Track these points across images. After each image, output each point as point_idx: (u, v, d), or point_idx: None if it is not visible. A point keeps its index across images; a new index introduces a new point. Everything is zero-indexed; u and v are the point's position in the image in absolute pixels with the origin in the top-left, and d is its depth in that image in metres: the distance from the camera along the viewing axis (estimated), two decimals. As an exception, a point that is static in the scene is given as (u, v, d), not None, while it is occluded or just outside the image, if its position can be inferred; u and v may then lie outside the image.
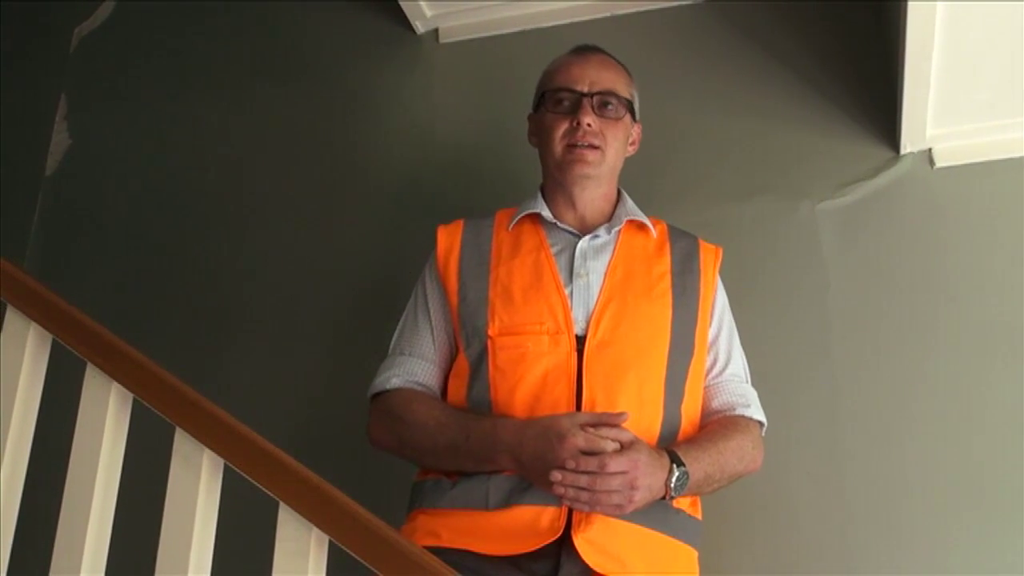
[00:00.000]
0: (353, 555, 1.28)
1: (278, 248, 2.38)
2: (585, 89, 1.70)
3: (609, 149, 1.70)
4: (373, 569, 1.26)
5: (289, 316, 2.31)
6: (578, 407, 1.50)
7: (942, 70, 1.84)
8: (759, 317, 1.96)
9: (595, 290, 1.62)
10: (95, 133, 2.67)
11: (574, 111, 1.69)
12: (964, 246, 1.97)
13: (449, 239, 1.73)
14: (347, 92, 2.48)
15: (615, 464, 1.40)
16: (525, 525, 1.44)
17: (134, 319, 2.31)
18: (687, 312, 1.64)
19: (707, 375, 1.68)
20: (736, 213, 2.10)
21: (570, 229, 1.71)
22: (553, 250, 1.67)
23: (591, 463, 1.39)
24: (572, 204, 1.73)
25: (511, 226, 1.73)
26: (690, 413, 1.61)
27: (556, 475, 1.39)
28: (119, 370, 1.49)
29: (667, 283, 1.66)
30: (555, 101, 1.72)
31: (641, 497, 1.42)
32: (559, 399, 1.51)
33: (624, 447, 1.43)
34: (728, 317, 1.74)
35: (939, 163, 2.04)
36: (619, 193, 1.79)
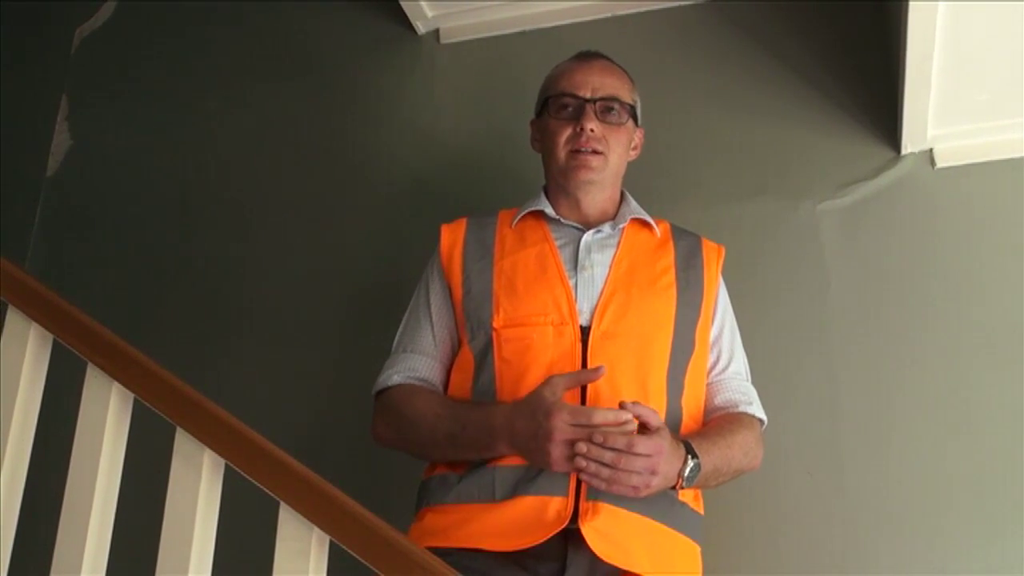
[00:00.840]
0: (354, 555, 1.28)
1: (279, 248, 2.38)
2: (588, 95, 1.70)
3: (612, 154, 1.71)
4: (374, 569, 1.26)
5: (289, 316, 2.31)
6: (582, 399, 1.51)
7: (943, 70, 1.84)
8: (759, 316, 1.96)
9: (599, 282, 1.63)
10: (96, 134, 2.67)
11: (577, 117, 1.70)
12: (964, 246, 1.97)
13: (452, 235, 1.74)
14: (348, 92, 2.48)
15: (642, 446, 1.40)
16: (532, 516, 1.44)
17: (135, 319, 2.32)
18: (690, 307, 1.65)
19: (710, 372, 1.69)
20: (737, 213, 2.10)
21: (574, 224, 1.72)
22: (558, 243, 1.68)
23: (619, 441, 1.39)
24: (576, 206, 1.74)
25: (515, 223, 1.74)
26: (690, 407, 1.62)
27: (582, 447, 1.39)
28: (120, 370, 1.49)
29: (671, 277, 1.67)
30: (558, 107, 1.72)
31: (657, 484, 1.43)
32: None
33: (650, 431, 1.43)
34: (730, 316, 1.75)
35: (940, 163, 2.04)
36: (622, 194, 1.80)
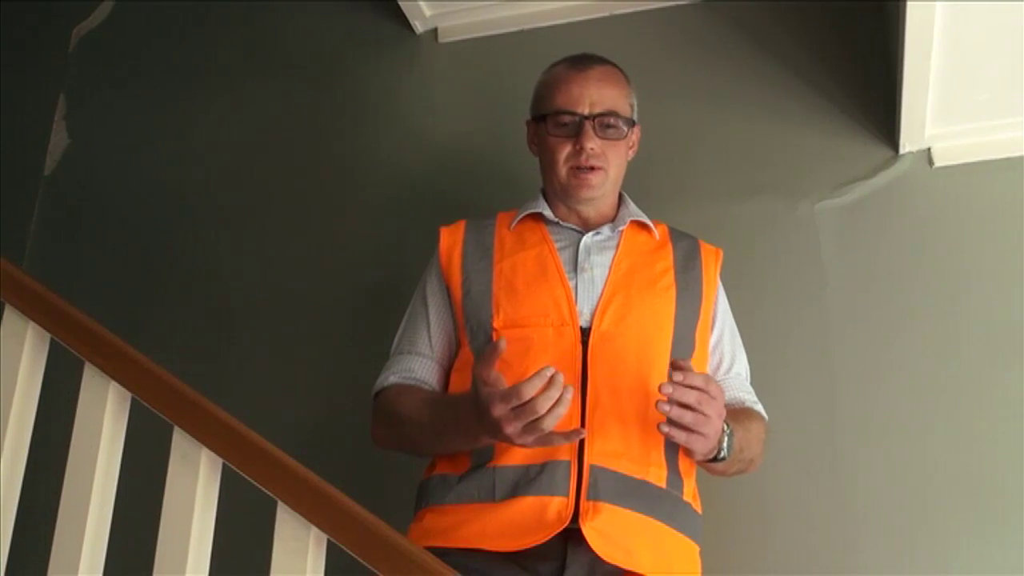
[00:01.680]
0: (352, 554, 1.27)
1: (276, 247, 2.38)
2: (586, 111, 1.69)
3: (611, 168, 1.71)
4: (372, 568, 1.26)
5: (287, 316, 2.31)
6: (583, 399, 1.50)
7: (941, 70, 1.84)
8: (758, 316, 1.96)
9: (599, 284, 1.63)
10: (94, 133, 2.67)
11: (576, 134, 1.68)
12: (963, 245, 1.97)
13: (451, 238, 1.74)
14: (346, 91, 2.48)
15: (714, 386, 1.41)
16: (532, 516, 1.44)
17: (132, 318, 2.32)
18: (689, 308, 1.66)
19: (714, 375, 1.69)
20: (735, 212, 2.10)
21: (573, 227, 1.72)
22: (557, 245, 1.69)
23: (697, 379, 1.39)
24: (576, 212, 1.75)
25: (513, 225, 1.74)
26: None
27: (667, 388, 1.37)
28: (117, 369, 1.49)
29: (670, 279, 1.67)
30: (556, 123, 1.70)
31: (714, 434, 1.42)
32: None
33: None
34: (730, 319, 1.76)
35: (938, 162, 2.04)
36: (620, 196, 1.80)
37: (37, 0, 2.87)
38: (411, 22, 2.46)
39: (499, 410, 1.35)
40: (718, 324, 1.72)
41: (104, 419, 1.48)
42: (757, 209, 2.10)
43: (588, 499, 1.45)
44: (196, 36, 2.69)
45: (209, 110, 2.58)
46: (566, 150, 1.69)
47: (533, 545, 1.43)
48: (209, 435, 1.40)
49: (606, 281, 1.63)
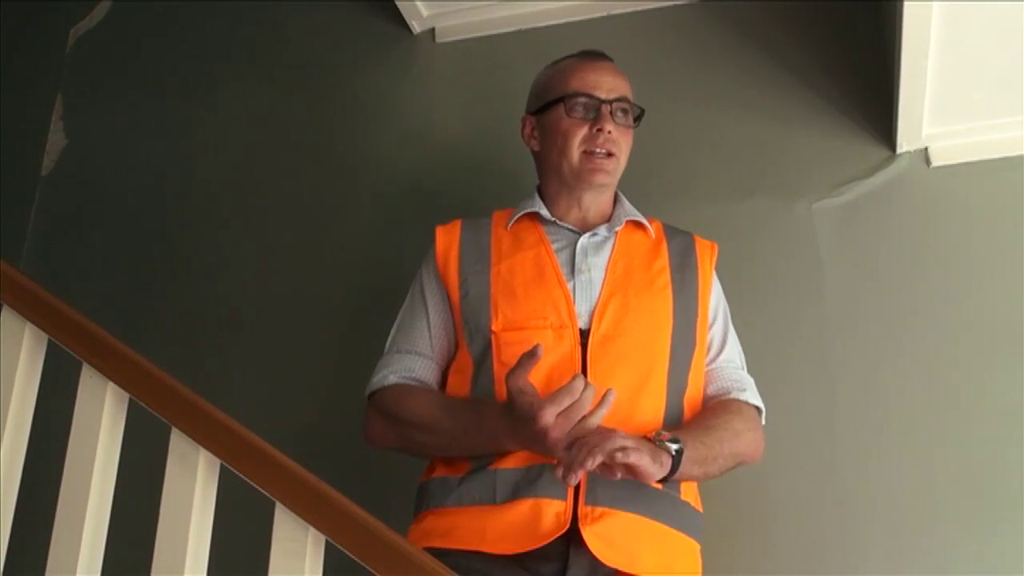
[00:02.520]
0: (350, 555, 1.27)
1: (273, 247, 2.38)
2: (604, 95, 1.70)
3: (622, 156, 1.72)
4: (370, 569, 1.26)
5: (285, 316, 2.31)
6: None
7: (938, 69, 1.84)
8: (755, 316, 1.96)
9: (597, 285, 1.62)
10: (91, 133, 2.67)
11: (594, 117, 1.69)
12: (960, 245, 1.97)
13: (447, 238, 1.73)
14: (343, 92, 2.48)
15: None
16: (530, 520, 1.44)
17: (130, 319, 2.31)
18: (687, 306, 1.66)
19: (706, 364, 1.69)
20: (732, 212, 2.10)
21: (570, 227, 1.72)
22: (554, 246, 1.68)
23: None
24: (578, 205, 1.74)
25: (509, 225, 1.73)
26: (692, 403, 1.63)
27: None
28: (115, 370, 1.49)
29: (667, 278, 1.67)
30: (573, 106, 1.70)
31: (648, 460, 1.38)
32: None
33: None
34: (723, 306, 1.76)
35: (935, 162, 2.04)
36: (616, 195, 1.80)
37: (35, 0, 2.87)
38: (408, 22, 2.46)
39: (547, 416, 1.36)
40: (711, 314, 1.71)
41: (102, 420, 1.48)
42: (754, 209, 2.10)
43: (587, 504, 1.46)
44: (193, 36, 2.69)
45: (206, 110, 2.58)
46: (581, 133, 1.69)
47: (532, 549, 1.43)
48: (207, 436, 1.40)
49: (603, 282, 1.63)
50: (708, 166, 2.16)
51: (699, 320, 1.66)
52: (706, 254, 1.75)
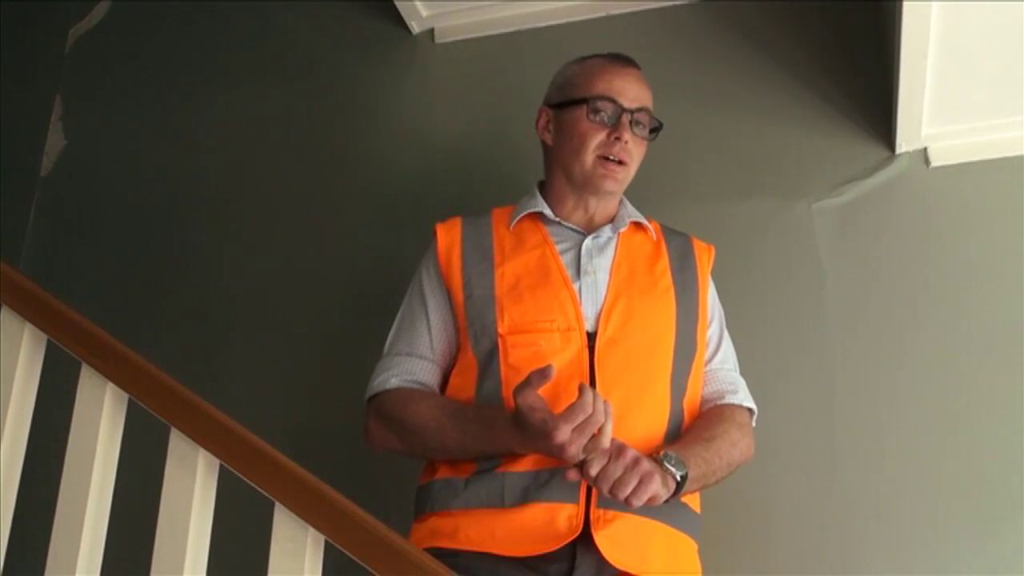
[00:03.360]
0: (349, 555, 1.27)
1: (273, 247, 2.38)
2: (627, 104, 1.68)
3: (633, 166, 1.72)
4: (370, 569, 1.26)
5: (284, 316, 2.31)
6: None
7: (938, 69, 1.84)
8: (754, 316, 1.96)
9: (602, 287, 1.62)
10: (90, 134, 2.67)
11: (613, 124, 1.67)
12: (960, 245, 1.97)
13: (449, 236, 1.72)
14: (343, 92, 2.48)
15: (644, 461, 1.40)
16: (543, 524, 1.44)
17: (129, 319, 2.31)
18: (689, 309, 1.66)
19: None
20: (732, 212, 2.10)
21: (574, 227, 1.71)
22: (559, 247, 1.67)
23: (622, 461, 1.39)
24: (583, 207, 1.73)
25: (512, 224, 1.72)
26: (691, 407, 1.63)
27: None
28: (114, 370, 1.49)
29: (668, 280, 1.67)
30: (595, 109, 1.68)
31: (652, 486, 1.40)
32: (574, 397, 1.49)
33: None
34: (719, 309, 1.76)
35: (935, 162, 2.04)
36: (620, 197, 1.79)
37: (34, 1, 2.87)
38: (407, 23, 2.46)
39: (563, 434, 1.36)
40: (709, 317, 1.71)
41: (101, 420, 1.48)
42: (754, 209, 2.10)
43: (599, 507, 1.45)
44: (192, 37, 2.69)
45: (205, 111, 2.58)
46: (599, 138, 1.68)
47: (544, 552, 1.43)
48: (206, 436, 1.40)
49: (608, 284, 1.62)
50: (707, 166, 2.16)
51: (700, 323, 1.67)
52: (704, 257, 1.75)
